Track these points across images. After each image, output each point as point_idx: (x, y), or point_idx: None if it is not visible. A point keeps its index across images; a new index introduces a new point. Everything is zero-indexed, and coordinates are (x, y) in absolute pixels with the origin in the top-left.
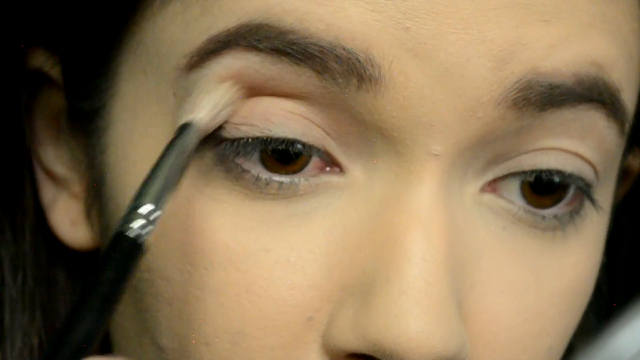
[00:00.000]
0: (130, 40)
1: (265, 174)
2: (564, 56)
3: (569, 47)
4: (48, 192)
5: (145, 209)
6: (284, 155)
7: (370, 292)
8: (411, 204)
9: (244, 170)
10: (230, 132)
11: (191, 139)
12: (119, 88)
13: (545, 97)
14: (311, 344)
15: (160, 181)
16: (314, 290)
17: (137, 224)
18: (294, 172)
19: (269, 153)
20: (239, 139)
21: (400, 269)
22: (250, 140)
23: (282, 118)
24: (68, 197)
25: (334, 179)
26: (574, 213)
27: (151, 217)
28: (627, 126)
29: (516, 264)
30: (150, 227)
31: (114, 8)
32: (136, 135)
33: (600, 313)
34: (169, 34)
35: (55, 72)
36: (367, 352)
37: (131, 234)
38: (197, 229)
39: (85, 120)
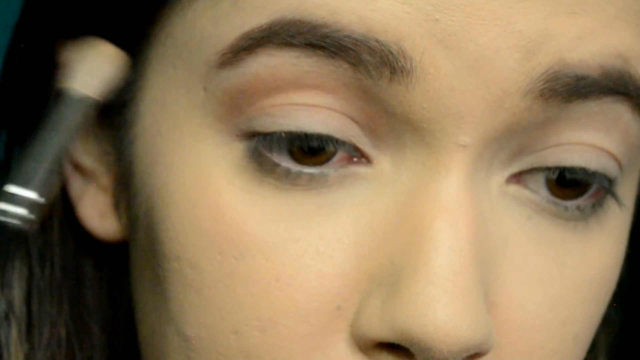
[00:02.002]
0: (159, 33)
1: (295, 167)
2: (590, 48)
3: (596, 40)
4: (76, 185)
5: (14, 190)
6: (312, 149)
7: (397, 281)
8: (438, 194)
9: (275, 164)
10: (264, 125)
11: (71, 108)
12: (147, 80)
13: (571, 89)
14: (340, 333)
15: (33, 163)
16: (342, 279)
17: (3, 205)
18: (321, 163)
19: (298, 147)
20: (272, 133)
21: (428, 258)
22: (283, 134)
23: (322, 114)
24: (96, 190)
25: (361, 169)
26: (597, 205)
27: (23, 202)
28: None
29: (540, 253)
30: (20, 211)
31: (141, 2)
32: (165, 127)
33: (622, 305)
34: (198, 28)
35: None
36: (395, 341)
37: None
38: (227, 219)
39: (114, 113)
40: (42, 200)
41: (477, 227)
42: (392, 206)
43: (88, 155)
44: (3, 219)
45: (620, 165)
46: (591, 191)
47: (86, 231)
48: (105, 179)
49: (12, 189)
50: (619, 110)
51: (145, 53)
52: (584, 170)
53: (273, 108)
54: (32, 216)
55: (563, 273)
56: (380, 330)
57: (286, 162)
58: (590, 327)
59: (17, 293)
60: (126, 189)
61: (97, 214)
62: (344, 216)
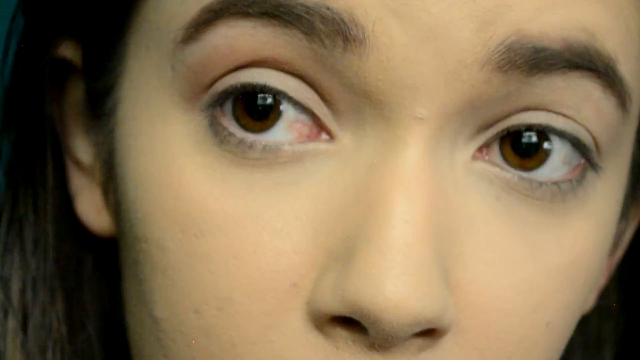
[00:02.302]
0: (137, 17)
1: (248, 137)
2: (550, 20)
3: (556, 11)
4: (75, 181)
5: None
6: (261, 111)
7: (351, 255)
8: (395, 168)
9: (230, 134)
10: (222, 83)
11: None
12: (126, 66)
13: (531, 61)
14: (296, 310)
15: None
16: (299, 256)
17: None
18: (268, 127)
19: (249, 107)
20: (229, 86)
21: (380, 230)
22: (239, 85)
23: (278, 73)
24: (93, 185)
25: (322, 146)
26: (576, 182)
27: None
28: (629, 101)
29: (510, 235)
30: None
31: None
32: (138, 109)
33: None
34: (167, 7)
35: (78, 60)
36: (347, 314)
37: None
38: (188, 197)
39: (100, 102)
40: None
41: (436, 202)
42: (351, 182)
43: (86, 151)
44: None
45: (596, 143)
46: (556, 161)
47: (87, 228)
48: (99, 174)
49: None
50: (588, 87)
51: (125, 39)
52: (548, 127)
53: (234, 80)
54: None
55: (535, 257)
56: (332, 303)
57: (240, 133)
58: (566, 315)
59: (15, 285)
60: (111, 178)
61: (94, 209)
62: (303, 192)
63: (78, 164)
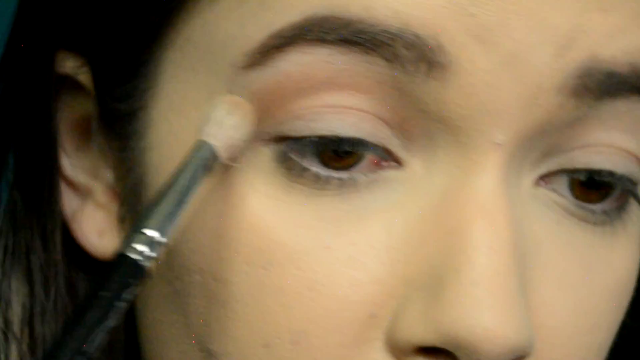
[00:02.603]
0: (176, 38)
1: (324, 172)
2: (620, 45)
3: (625, 37)
4: (70, 201)
5: (149, 232)
6: (342, 151)
7: (439, 284)
8: (475, 194)
9: (304, 169)
10: (297, 130)
11: (201, 161)
12: (162, 87)
13: (602, 86)
14: (374, 341)
15: (166, 205)
16: (376, 286)
17: (140, 246)
18: (349, 166)
19: (329, 150)
20: (304, 137)
21: (470, 259)
22: (316, 138)
23: (354, 117)
24: (93, 207)
25: (391, 173)
26: (621, 209)
27: (154, 243)
28: None
29: (570, 259)
30: (153, 253)
31: (158, 7)
32: (184, 134)
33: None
34: (222, 30)
35: (82, 75)
36: (440, 345)
37: (133, 255)
38: (253, 228)
39: (122, 123)
40: (165, 241)
41: (514, 227)
42: (425, 209)
43: (82, 171)
44: (138, 258)
45: None
46: (615, 194)
47: (79, 247)
48: (102, 196)
49: (148, 232)
50: None
51: (159, 59)
52: (610, 173)
53: (304, 111)
54: (154, 255)
55: (591, 279)
56: (422, 334)
57: (316, 167)
58: (611, 335)
59: (17, 311)
60: (135, 202)
61: (95, 232)
62: (375, 221)
63: (70, 183)
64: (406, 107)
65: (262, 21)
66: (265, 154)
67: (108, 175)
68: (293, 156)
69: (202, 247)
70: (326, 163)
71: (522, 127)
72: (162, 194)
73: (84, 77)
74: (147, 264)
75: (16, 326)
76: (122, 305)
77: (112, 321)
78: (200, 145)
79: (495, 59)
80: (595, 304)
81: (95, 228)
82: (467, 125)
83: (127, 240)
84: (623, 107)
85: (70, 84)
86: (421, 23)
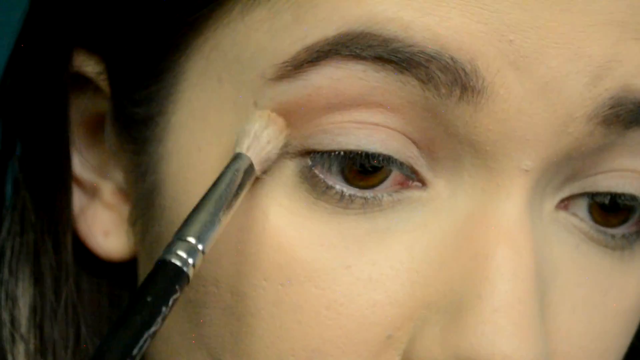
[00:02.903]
0: (202, 46)
1: (348, 190)
2: None
3: None
4: (76, 200)
5: (191, 239)
6: (367, 168)
7: (459, 309)
8: (500, 220)
9: (329, 187)
10: (323, 144)
11: (240, 172)
12: (184, 94)
13: (633, 115)
14: None
15: (206, 215)
16: (395, 307)
17: (182, 253)
18: (374, 185)
19: (355, 167)
20: (330, 152)
21: (492, 286)
22: (342, 153)
23: (384, 134)
24: (101, 207)
25: (415, 193)
26: (639, 233)
27: (195, 250)
28: None
29: (587, 283)
30: (193, 260)
31: (187, 14)
32: (206, 143)
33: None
34: (253, 40)
35: (98, 76)
36: None
37: (177, 261)
38: (275, 243)
39: (138, 127)
40: (203, 249)
41: (536, 254)
42: (448, 231)
43: (89, 170)
44: (180, 264)
45: None
46: (634, 219)
47: (84, 247)
48: (111, 196)
49: (190, 238)
50: None
51: (181, 66)
52: (633, 197)
53: (332, 125)
54: (192, 262)
55: (605, 303)
56: (441, 358)
57: (340, 185)
58: (621, 356)
59: (24, 312)
60: (148, 207)
61: (101, 231)
62: (397, 241)
63: (77, 181)
64: (436, 129)
65: (295, 34)
66: (290, 169)
67: (118, 176)
68: (317, 172)
69: (220, 258)
70: (350, 182)
71: (550, 154)
72: (202, 204)
73: (100, 77)
74: (188, 270)
75: (24, 327)
76: (166, 310)
77: (157, 326)
78: (238, 158)
79: (529, 87)
80: (608, 329)
81: (102, 228)
82: (496, 150)
83: (170, 247)
84: None
85: (84, 82)
86: (458, 47)
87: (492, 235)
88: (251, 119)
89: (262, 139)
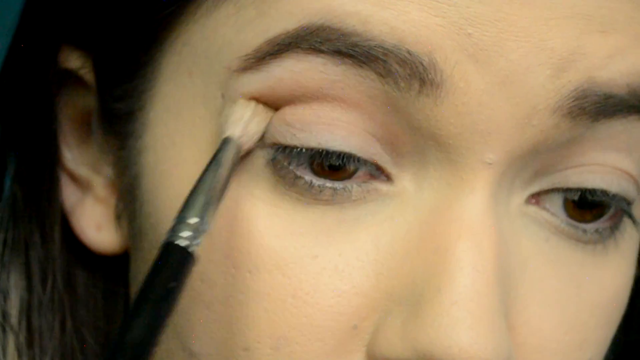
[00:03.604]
0: (175, 41)
1: (317, 181)
2: (619, 67)
3: (625, 58)
4: (71, 194)
5: (193, 220)
6: (332, 165)
7: (419, 301)
8: (462, 214)
9: (297, 177)
10: (285, 137)
11: (230, 155)
12: (160, 89)
13: (599, 107)
14: (355, 352)
15: (204, 196)
16: (360, 298)
17: (186, 234)
18: (343, 179)
19: (319, 163)
20: (293, 147)
21: (452, 279)
22: (304, 150)
23: (344, 131)
24: (93, 201)
25: (383, 187)
26: (614, 228)
27: (198, 230)
28: None
29: (558, 276)
30: (197, 240)
31: (159, 10)
32: (179, 137)
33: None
34: (220, 35)
35: (86, 72)
36: None
37: (181, 243)
38: (244, 232)
39: (121, 122)
40: (207, 228)
41: (499, 247)
42: (413, 225)
43: (83, 164)
44: (187, 244)
45: (638, 187)
46: (609, 214)
47: (78, 242)
48: (103, 190)
49: (192, 220)
50: None
51: (158, 61)
52: (604, 193)
53: (293, 118)
54: (198, 242)
55: (580, 295)
56: (401, 350)
57: (308, 176)
58: (603, 350)
59: (15, 304)
60: (131, 200)
61: (94, 225)
62: (364, 233)
63: (72, 176)
64: (398, 123)
65: (259, 27)
66: (260, 159)
67: (108, 170)
68: (285, 163)
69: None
70: (318, 174)
71: (515, 147)
72: (198, 187)
73: (87, 73)
74: (195, 249)
75: (14, 318)
76: (177, 293)
77: (173, 306)
78: (228, 141)
79: (489, 79)
80: (584, 321)
81: (94, 222)
82: (459, 143)
83: (174, 230)
84: (620, 127)
85: (75, 79)
86: (416, 40)
87: (454, 229)
88: (236, 105)
89: (249, 126)
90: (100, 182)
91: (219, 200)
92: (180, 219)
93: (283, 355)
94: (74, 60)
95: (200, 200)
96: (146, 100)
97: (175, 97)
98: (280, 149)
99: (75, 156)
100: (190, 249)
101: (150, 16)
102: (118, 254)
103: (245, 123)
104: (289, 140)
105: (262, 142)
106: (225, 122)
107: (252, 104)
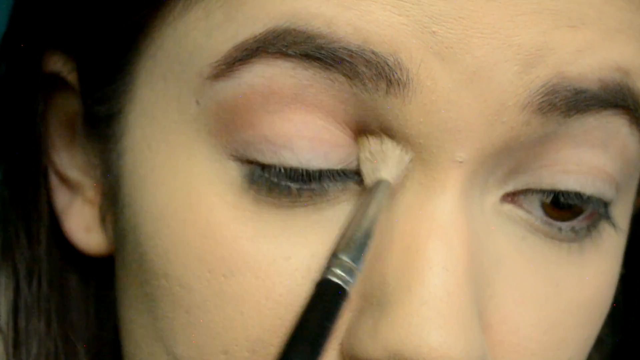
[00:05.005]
0: (150, 45)
1: (295, 185)
2: (590, 61)
3: (595, 53)
4: (62, 197)
5: (348, 258)
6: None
7: (390, 301)
8: (433, 213)
9: (275, 184)
10: (264, 153)
11: (386, 197)
12: (136, 93)
13: (570, 102)
14: (329, 351)
15: (361, 237)
16: None
17: (341, 271)
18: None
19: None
20: (272, 166)
21: (422, 279)
22: (283, 169)
23: (324, 147)
24: (82, 203)
25: (357, 186)
26: (591, 227)
27: (353, 270)
28: None
29: (535, 274)
30: (349, 279)
31: (132, 13)
32: (154, 141)
33: (615, 326)
34: (191, 39)
35: (71, 76)
36: None
37: (338, 280)
38: (218, 236)
39: (102, 125)
40: (359, 269)
41: (471, 246)
42: (386, 224)
43: (74, 167)
44: (340, 283)
45: (616, 185)
46: (586, 213)
47: (71, 245)
48: (91, 192)
49: (345, 258)
50: (617, 123)
51: (135, 65)
52: (579, 195)
53: (271, 132)
54: (352, 282)
55: (558, 294)
56: (372, 350)
57: (285, 182)
58: (584, 349)
59: (4, 307)
60: (113, 203)
61: (83, 227)
62: (337, 234)
63: (63, 179)
64: (370, 125)
65: (227, 32)
66: (234, 170)
67: (95, 173)
68: (262, 179)
69: (168, 252)
70: (293, 180)
71: (485, 145)
72: (356, 227)
73: (72, 77)
74: (348, 288)
75: (3, 321)
76: (332, 329)
77: (326, 345)
78: (386, 184)
79: (456, 77)
80: (562, 320)
81: (83, 223)
82: (428, 142)
83: (331, 268)
84: (594, 122)
85: (61, 83)
86: (380, 40)
87: (424, 228)
88: (386, 145)
89: (398, 163)
90: (89, 184)
91: (370, 241)
92: (337, 257)
93: (260, 358)
94: (59, 64)
95: (356, 240)
96: (125, 103)
97: (151, 101)
98: (258, 168)
99: (65, 159)
100: (346, 287)
101: (125, 19)
102: (107, 256)
103: (404, 168)
104: (269, 158)
105: (233, 155)
106: (383, 161)
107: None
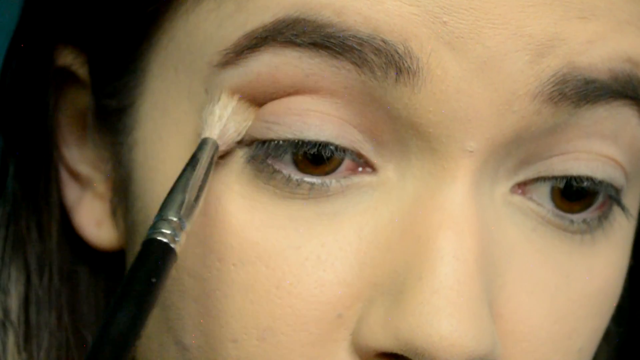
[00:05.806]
0: (161, 37)
1: (296, 175)
2: (600, 52)
3: (605, 44)
4: (72, 192)
5: (172, 218)
6: (316, 157)
7: (401, 290)
8: (444, 203)
9: (275, 171)
10: (261, 132)
11: (208, 155)
12: (148, 85)
13: (580, 92)
14: (340, 341)
15: (182, 195)
16: (344, 287)
17: (167, 230)
18: (326, 173)
19: (301, 155)
20: (270, 140)
21: (433, 268)
22: (282, 142)
23: (317, 120)
24: (92, 197)
25: (365, 178)
26: (603, 218)
27: (178, 228)
28: None
29: (546, 265)
30: (178, 237)
31: (146, 5)
32: (166, 132)
33: (623, 318)
34: (202, 30)
35: (82, 70)
36: (398, 352)
37: (163, 239)
38: (227, 226)
39: (113, 118)
40: (186, 226)
41: (482, 236)
42: (396, 214)
43: (84, 161)
44: (167, 241)
45: (626, 174)
46: (597, 204)
47: (83, 240)
48: (102, 186)
49: (171, 216)
50: (627, 114)
51: (147, 58)
52: (590, 180)
53: (265, 111)
54: (178, 239)
55: (569, 285)
56: (383, 339)
57: (288, 170)
58: (594, 340)
59: (15, 300)
60: (124, 196)
61: (93, 221)
62: (347, 224)
63: (73, 173)
64: (376, 113)
65: (238, 22)
66: (239, 155)
67: (106, 167)
68: (264, 158)
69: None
70: (301, 168)
71: (496, 134)
72: (177, 186)
73: (83, 71)
74: (175, 246)
75: (14, 314)
76: (159, 288)
77: (155, 301)
78: (206, 142)
79: (466, 66)
80: (573, 310)
81: (94, 218)
82: (439, 132)
83: (155, 227)
84: (604, 113)
85: (72, 77)
86: (390, 29)
87: (435, 218)
88: (215, 103)
89: (228, 126)
90: (99, 178)
91: (198, 199)
92: (161, 216)
93: (270, 346)
94: (70, 58)
95: (178, 199)
96: (136, 96)
97: (163, 93)
98: (259, 145)
99: (75, 154)
100: (171, 245)
101: (137, 12)
102: (117, 250)
103: (224, 123)
104: (265, 134)
105: (241, 140)
106: (205, 122)
107: (233, 102)
